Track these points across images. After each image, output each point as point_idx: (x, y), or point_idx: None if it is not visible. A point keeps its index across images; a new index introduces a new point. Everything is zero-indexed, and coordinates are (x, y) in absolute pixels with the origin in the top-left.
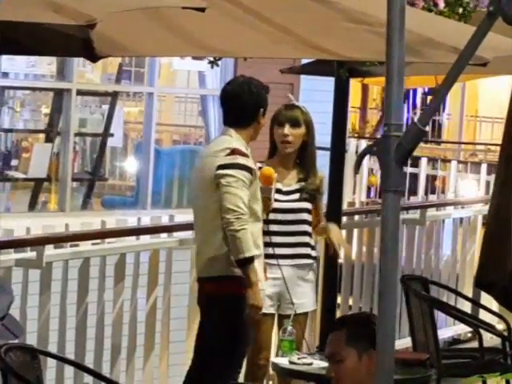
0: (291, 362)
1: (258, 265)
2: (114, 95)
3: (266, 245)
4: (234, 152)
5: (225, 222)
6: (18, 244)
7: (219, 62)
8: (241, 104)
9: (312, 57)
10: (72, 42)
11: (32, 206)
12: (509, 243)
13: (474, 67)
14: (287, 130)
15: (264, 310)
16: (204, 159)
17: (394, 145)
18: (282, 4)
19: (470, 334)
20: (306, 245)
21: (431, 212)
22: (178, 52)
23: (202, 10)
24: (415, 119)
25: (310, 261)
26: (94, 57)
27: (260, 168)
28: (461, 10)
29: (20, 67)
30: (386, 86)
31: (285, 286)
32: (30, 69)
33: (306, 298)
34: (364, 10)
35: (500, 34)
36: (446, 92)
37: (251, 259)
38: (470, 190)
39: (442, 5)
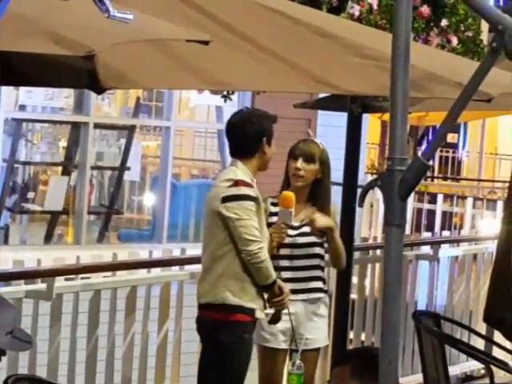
0: None
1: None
2: (131, 129)
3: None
4: (237, 183)
5: (248, 254)
6: (28, 275)
7: (234, 97)
8: (243, 135)
9: (318, 91)
10: (78, 73)
11: (48, 238)
12: None
13: (480, 103)
14: (300, 164)
15: (276, 346)
16: (211, 189)
17: (398, 179)
18: (289, 38)
19: (483, 371)
20: (318, 278)
21: (444, 248)
22: (184, 85)
23: (206, 43)
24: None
25: (321, 294)
26: (99, 89)
27: (273, 197)
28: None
29: (38, 100)
30: (390, 120)
31: (299, 322)
32: (48, 102)
33: (318, 333)
34: (370, 45)
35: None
36: (449, 127)
37: (275, 280)
38: (488, 227)
39: (455, 42)
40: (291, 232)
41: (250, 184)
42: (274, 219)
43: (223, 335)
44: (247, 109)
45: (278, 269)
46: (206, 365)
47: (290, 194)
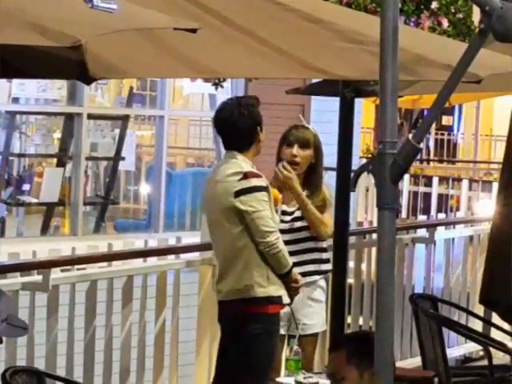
0: (297, 382)
1: None
2: (125, 119)
3: None
4: (246, 176)
5: (267, 245)
6: (23, 268)
7: (227, 85)
8: (238, 130)
9: (309, 77)
10: (67, 64)
11: (44, 230)
12: (511, 262)
13: (470, 85)
14: (296, 150)
15: None
16: (216, 184)
17: (389, 162)
18: (278, 24)
19: (482, 352)
20: (314, 261)
21: (440, 230)
22: (173, 73)
23: (194, 31)
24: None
25: (317, 277)
26: (88, 79)
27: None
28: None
29: (31, 92)
30: (380, 104)
31: (296, 307)
32: (41, 94)
33: (315, 318)
34: (360, 30)
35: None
36: (440, 109)
37: (292, 267)
38: (485, 209)
39: (445, 24)
40: (286, 218)
41: (258, 174)
42: None
43: (253, 328)
44: (232, 100)
45: None
46: (235, 359)
47: (274, 194)
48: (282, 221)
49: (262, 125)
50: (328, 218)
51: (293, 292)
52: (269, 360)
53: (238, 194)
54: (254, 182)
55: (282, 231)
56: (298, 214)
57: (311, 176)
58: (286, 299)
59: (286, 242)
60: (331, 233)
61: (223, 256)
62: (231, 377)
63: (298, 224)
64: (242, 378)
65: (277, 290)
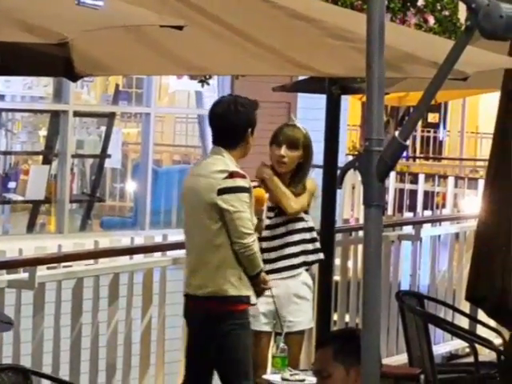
0: (284, 379)
1: None
2: (111, 116)
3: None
4: (232, 175)
5: (243, 246)
6: (9, 265)
7: (213, 82)
8: (229, 125)
9: (295, 74)
10: (53, 61)
11: (30, 228)
12: (497, 259)
13: (456, 82)
14: (284, 151)
15: (258, 328)
16: (199, 179)
17: (376, 160)
18: (265, 21)
19: (468, 349)
20: (300, 253)
21: (426, 228)
22: (160, 71)
23: (180, 28)
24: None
25: (298, 270)
26: (74, 76)
27: (254, 187)
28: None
29: (16, 89)
30: (366, 101)
31: (281, 304)
32: (27, 91)
33: (301, 316)
34: (347, 27)
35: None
36: (426, 106)
37: (262, 270)
38: (471, 206)
39: (432, 21)
40: (270, 214)
41: (243, 175)
42: None
43: (227, 325)
44: (230, 96)
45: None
46: (215, 359)
47: (260, 193)
48: (269, 217)
49: (253, 128)
50: (299, 199)
51: (260, 292)
52: (247, 352)
53: (221, 191)
54: (239, 182)
55: (267, 227)
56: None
57: (297, 174)
58: (253, 299)
59: (271, 238)
60: (298, 209)
61: (198, 251)
62: (220, 377)
63: (282, 219)
64: (228, 375)
65: (247, 290)
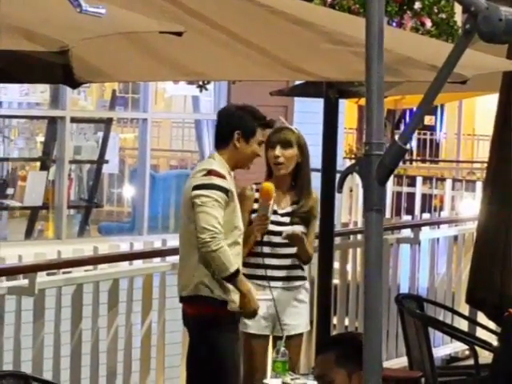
0: (284, 383)
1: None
2: (108, 122)
3: (259, 266)
4: (210, 173)
5: (200, 242)
6: (9, 272)
7: (209, 86)
8: (218, 126)
9: (293, 79)
10: (52, 69)
11: (28, 234)
12: (497, 261)
13: (455, 85)
14: (278, 151)
15: (258, 332)
16: (187, 181)
17: (376, 164)
18: (263, 26)
19: (467, 352)
20: (299, 267)
21: (425, 230)
22: (159, 77)
23: (180, 34)
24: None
25: (301, 282)
26: (74, 83)
27: (258, 184)
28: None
29: (13, 96)
30: (366, 105)
31: (281, 308)
32: (24, 97)
33: (299, 319)
34: (344, 31)
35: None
36: (426, 110)
37: (237, 272)
38: (469, 208)
39: (429, 24)
40: (276, 219)
41: (222, 175)
42: (256, 206)
43: (197, 327)
44: (240, 104)
45: (260, 255)
46: (193, 358)
47: (268, 187)
48: (272, 221)
49: (247, 136)
50: (310, 234)
51: (246, 311)
52: (234, 356)
53: (195, 188)
54: (215, 180)
55: (271, 232)
56: (288, 219)
57: (298, 176)
58: (232, 306)
59: (276, 244)
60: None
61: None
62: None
63: (286, 229)
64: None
65: (223, 293)
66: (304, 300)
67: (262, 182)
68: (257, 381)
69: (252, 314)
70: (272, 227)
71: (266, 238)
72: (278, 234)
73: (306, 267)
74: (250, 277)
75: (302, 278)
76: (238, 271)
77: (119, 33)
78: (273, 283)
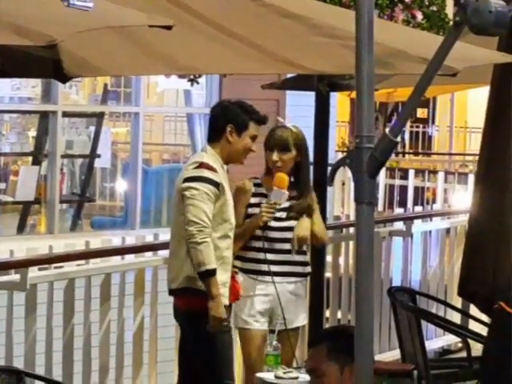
0: (277, 377)
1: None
2: (100, 116)
3: (261, 261)
4: (201, 165)
5: (187, 234)
6: (0, 267)
7: (201, 80)
8: (211, 119)
9: (284, 72)
10: (42, 63)
11: (21, 228)
12: (489, 254)
13: (446, 78)
14: (276, 155)
15: (255, 327)
16: (180, 173)
17: (367, 157)
18: (253, 20)
19: (460, 344)
20: (300, 263)
21: (417, 223)
22: (149, 71)
23: (169, 27)
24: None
25: (300, 278)
26: (64, 77)
27: (256, 178)
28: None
29: (5, 91)
30: (356, 98)
31: (277, 303)
32: (15, 92)
33: (297, 312)
34: (335, 24)
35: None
36: (416, 102)
37: (213, 272)
38: (461, 201)
39: (420, 17)
40: (278, 215)
41: (213, 168)
42: (252, 200)
43: (186, 321)
44: (234, 99)
45: (262, 250)
46: (185, 351)
47: (283, 176)
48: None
49: (239, 129)
50: (316, 223)
51: (213, 324)
52: (225, 348)
53: (186, 180)
54: (205, 173)
55: (270, 228)
56: (284, 214)
57: (297, 173)
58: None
59: (274, 240)
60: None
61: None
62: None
63: (283, 224)
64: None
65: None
66: (302, 294)
67: (263, 176)
68: (252, 375)
69: (218, 321)
70: (271, 222)
71: (266, 233)
72: (276, 229)
73: (305, 266)
74: (252, 272)
75: (301, 274)
76: (214, 271)
77: (108, 26)
78: (274, 278)
